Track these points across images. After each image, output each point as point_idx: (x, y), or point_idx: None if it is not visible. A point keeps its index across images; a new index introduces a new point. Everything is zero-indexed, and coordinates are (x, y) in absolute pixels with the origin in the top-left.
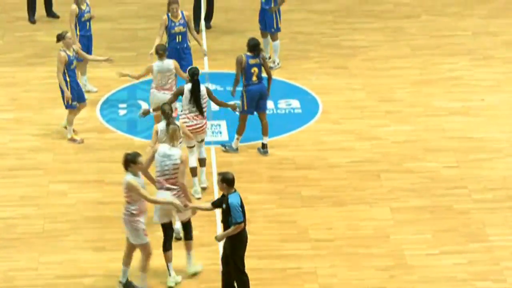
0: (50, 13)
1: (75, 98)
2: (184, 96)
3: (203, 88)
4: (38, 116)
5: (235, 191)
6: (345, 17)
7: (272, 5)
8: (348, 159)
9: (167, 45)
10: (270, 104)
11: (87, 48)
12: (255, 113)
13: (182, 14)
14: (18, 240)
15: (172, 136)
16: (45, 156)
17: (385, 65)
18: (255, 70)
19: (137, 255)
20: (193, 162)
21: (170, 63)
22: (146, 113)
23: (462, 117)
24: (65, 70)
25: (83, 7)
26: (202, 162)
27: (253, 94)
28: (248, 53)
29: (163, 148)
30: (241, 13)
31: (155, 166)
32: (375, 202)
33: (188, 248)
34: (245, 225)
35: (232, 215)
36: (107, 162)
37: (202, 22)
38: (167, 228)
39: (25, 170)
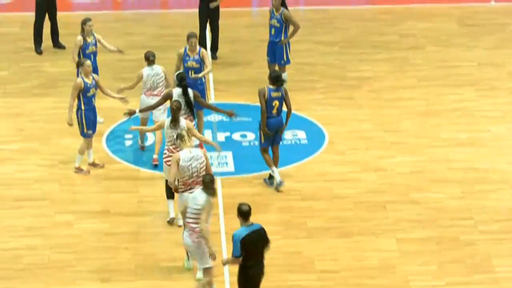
0: (56, 44)
1: (91, 127)
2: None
3: (190, 91)
4: (44, 147)
5: (250, 224)
6: (350, 48)
7: (282, 38)
8: (353, 190)
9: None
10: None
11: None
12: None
13: (199, 50)
14: (24, 271)
15: (182, 141)
16: (51, 186)
17: (391, 96)
18: (276, 103)
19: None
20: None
21: (159, 69)
22: (131, 113)
23: (467, 148)
24: (81, 98)
25: (89, 39)
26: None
27: (271, 127)
28: (270, 86)
29: (185, 153)
30: (247, 43)
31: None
32: (381, 233)
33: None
34: (255, 262)
35: None
36: (113, 193)
37: (208, 53)
38: None
39: (31, 201)
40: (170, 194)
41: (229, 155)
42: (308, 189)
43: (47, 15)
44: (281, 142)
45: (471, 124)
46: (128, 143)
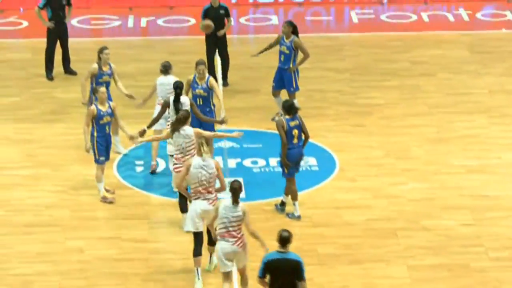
0: (67, 70)
1: (103, 154)
2: (170, 108)
3: (186, 99)
4: (55, 173)
5: (285, 252)
6: (361, 75)
7: (291, 65)
8: (364, 216)
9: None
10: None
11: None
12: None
13: (208, 78)
14: None
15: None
16: (61, 212)
17: (402, 123)
18: (295, 132)
19: None
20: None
21: (172, 79)
22: (142, 132)
23: (478, 175)
24: (94, 124)
25: (105, 68)
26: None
27: (293, 157)
28: (286, 116)
29: (197, 160)
30: (257, 70)
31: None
32: (392, 260)
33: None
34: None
35: None
36: (123, 219)
37: (220, 82)
38: (198, 235)
39: (42, 227)
40: (184, 208)
41: (240, 181)
42: (319, 215)
43: (58, 42)
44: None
45: (482, 151)
46: (139, 169)
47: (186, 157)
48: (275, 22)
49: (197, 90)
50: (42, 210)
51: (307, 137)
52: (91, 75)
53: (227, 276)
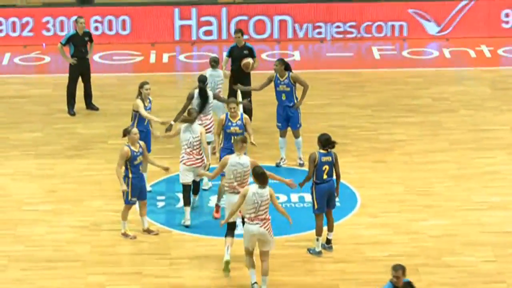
0: (89, 105)
1: (136, 195)
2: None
3: (210, 92)
4: (76, 208)
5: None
6: (383, 111)
7: (296, 101)
8: (386, 252)
9: (222, 144)
10: (309, 197)
11: (144, 142)
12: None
13: (242, 115)
14: None
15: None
16: (82, 247)
17: (423, 159)
18: (326, 167)
19: None
20: None
21: (220, 72)
22: (168, 126)
23: (500, 211)
24: (128, 166)
25: (146, 103)
26: None
27: (323, 192)
28: (321, 150)
29: (234, 158)
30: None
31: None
32: None
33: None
34: None
35: None
36: (144, 254)
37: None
38: (232, 223)
39: (63, 262)
40: (187, 201)
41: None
42: (340, 251)
43: (80, 78)
44: (334, 208)
45: (504, 188)
46: (160, 204)
47: (195, 152)
48: (297, 58)
49: (232, 128)
50: (63, 246)
51: (338, 176)
52: (137, 110)
53: (250, 252)
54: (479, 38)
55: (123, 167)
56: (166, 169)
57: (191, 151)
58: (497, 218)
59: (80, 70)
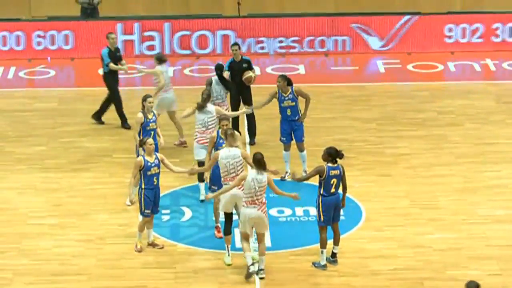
0: (99, 119)
1: (149, 207)
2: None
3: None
4: (81, 222)
5: None
6: (388, 125)
7: (300, 115)
8: (391, 266)
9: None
10: (314, 211)
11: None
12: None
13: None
14: None
15: (231, 137)
16: (88, 261)
17: (428, 173)
18: (334, 181)
19: None
20: None
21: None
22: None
23: (505, 225)
24: (141, 177)
25: (150, 116)
26: None
27: (329, 205)
28: (329, 164)
29: (224, 151)
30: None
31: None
32: None
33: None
34: None
35: None
36: (149, 268)
37: (246, 139)
38: (229, 216)
39: (68, 276)
40: (201, 177)
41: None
42: (345, 265)
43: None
44: (340, 221)
45: (509, 201)
46: (165, 218)
47: (208, 131)
48: (302, 72)
49: (224, 145)
50: (68, 259)
51: (345, 188)
52: (140, 125)
53: (246, 236)
54: (484, 52)
55: (138, 177)
56: (191, 173)
57: (205, 130)
58: (502, 231)
59: (117, 83)
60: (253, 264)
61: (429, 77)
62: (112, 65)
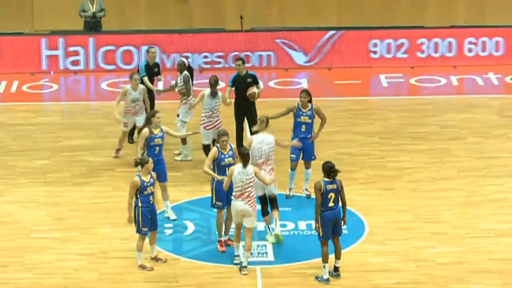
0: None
1: (147, 224)
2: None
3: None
4: (84, 236)
5: None
6: (390, 138)
7: (313, 133)
8: (393, 280)
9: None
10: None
11: (156, 172)
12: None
13: (231, 146)
14: None
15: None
16: (90, 275)
17: (431, 187)
18: (332, 195)
19: None
20: None
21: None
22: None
23: (508, 239)
24: (138, 196)
25: (156, 131)
26: None
27: (328, 220)
28: (326, 179)
29: (258, 136)
30: (287, 134)
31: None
32: None
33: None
34: None
35: None
36: (152, 282)
37: None
38: (261, 198)
39: None
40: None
41: (268, 244)
42: (348, 279)
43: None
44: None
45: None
46: (168, 232)
47: (214, 115)
48: (304, 85)
49: (226, 160)
50: (71, 273)
51: (344, 203)
52: (144, 139)
53: (239, 227)
54: (487, 66)
55: (134, 198)
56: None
57: (211, 114)
58: (505, 245)
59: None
60: (238, 255)
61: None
62: (145, 79)
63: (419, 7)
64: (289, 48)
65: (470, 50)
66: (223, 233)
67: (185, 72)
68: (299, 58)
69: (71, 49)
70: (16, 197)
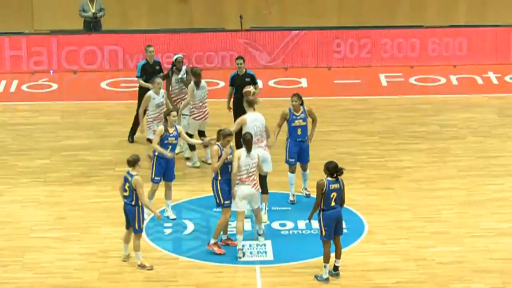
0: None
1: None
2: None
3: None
4: (84, 235)
5: None
6: (391, 138)
7: (309, 135)
8: (394, 279)
9: (220, 177)
10: (316, 224)
11: (166, 170)
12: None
13: (230, 146)
14: None
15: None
16: (91, 275)
17: (431, 186)
18: (334, 195)
19: None
20: None
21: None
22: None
23: (508, 238)
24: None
25: (171, 130)
26: None
27: (330, 219)
28: (329, 178)
29: (251, 115)
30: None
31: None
32: None
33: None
34: None
35: None
36: (152, 281)
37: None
38: (261, 176)
39: None
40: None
41: (268, 243)
42: (348, 278)
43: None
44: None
45: None
46: (167, 231)
47: (204, 105)
48: (304, 85)
49: (229, 157)
50: (72, 273)
51: (343, 202)
52: (159, 137)
53: (241, 215)
54: (486, 65)
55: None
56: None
57: (201, 104)
58: (505, 244)
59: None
60: (241, 249)
61: (432, 90)
62: (140, 81)
63: (419, 7)
64: (252, 48)
65: (469, 50)
66: (221, 233)
67: (185, 66)
68: (263, 58)
69: (70, 48)
70: (17, 196)
